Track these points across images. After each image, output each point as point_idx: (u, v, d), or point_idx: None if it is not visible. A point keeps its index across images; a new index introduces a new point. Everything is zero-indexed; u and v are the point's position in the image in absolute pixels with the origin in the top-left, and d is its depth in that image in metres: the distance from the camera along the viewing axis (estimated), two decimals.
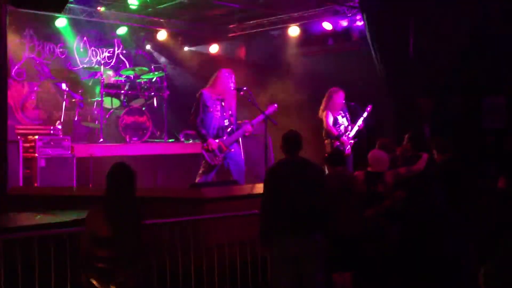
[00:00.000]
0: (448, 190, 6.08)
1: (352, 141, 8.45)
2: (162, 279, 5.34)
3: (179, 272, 5.42)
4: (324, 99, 8.58)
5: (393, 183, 5.97)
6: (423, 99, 8.77)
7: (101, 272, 4.17)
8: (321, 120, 8.57)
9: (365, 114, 8.48)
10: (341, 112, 8.56)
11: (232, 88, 7.65)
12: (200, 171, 7.65)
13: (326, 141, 8.53)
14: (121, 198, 4.31)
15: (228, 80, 7.58)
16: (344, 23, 11.04)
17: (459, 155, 6.66)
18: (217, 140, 7.44)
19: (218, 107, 7.55)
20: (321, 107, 8.58)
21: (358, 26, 10.79)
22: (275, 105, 7.73)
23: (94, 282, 4.19)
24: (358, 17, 10.46)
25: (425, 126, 8.78)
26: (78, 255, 4.51)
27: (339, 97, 8.50)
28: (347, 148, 8.33)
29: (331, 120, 8.45)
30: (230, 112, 7.66)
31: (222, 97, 7.57)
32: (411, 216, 5.92)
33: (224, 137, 7.54)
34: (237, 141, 7.99)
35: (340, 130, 8.44)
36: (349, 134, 8.45)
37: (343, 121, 8.54)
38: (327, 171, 5.97)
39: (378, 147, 6.54)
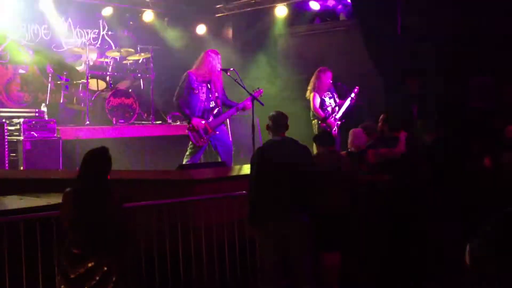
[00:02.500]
0: (434, 171, 6.11)
1: (339, 122, 8.43)
2: (150, 261, 5.32)
3: (167, 254, 5.40)
4: (312, 80, 8.55)
5: (375, 163, 5.96)
6: (411, 79, 8.77)
7: (72, 255, 4.13)
8: (308, 101, 8.54)
9: (352, 95, 8.46)
10: (329, 92, 8.53)
11: (219, 69, 7.59)
12: (187, 153, 7.62)
13: (313, 122, 8.52)
14: (88, 183, 4.26)
15: (214, 62, 7.50)
16: (332, 2, 10.97)
17: (446, 135, 6.67)
18: (203, 121, 7.40)
19: (204, 89, 7.50)
20: (309, 88, 8.55)
21: (345, 5, 10.74)
22: (261, 90, 7.67)
23: (65, 263, 4.15)
24: None
25: (413, 106, 8.79)
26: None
27: (327, 77, 8.47)
28: (334, 129, 8.31)
29: (317, 101, 8.43)
30: (216, 94, 7.60)
31: (208, 78, 7.51)
32: (396, 198, 5.93)
33: (210, 119, 7.50)
34: (224, 123, 7.94)
35: (328, 112, 8.42)
36: (336, 115, 8.44)
37: (330, 102, 8.51)
38: (315, 151, 5.97)
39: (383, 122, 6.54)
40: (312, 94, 8.45)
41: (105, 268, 4.11)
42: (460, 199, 6.15)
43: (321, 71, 8.51)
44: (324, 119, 8.31)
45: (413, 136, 6.33)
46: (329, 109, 8.46)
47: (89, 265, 4.09)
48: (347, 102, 8.46)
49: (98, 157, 4.34)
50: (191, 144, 7.54)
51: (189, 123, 7.46)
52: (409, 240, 5.84)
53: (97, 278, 4.09)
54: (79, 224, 4.16)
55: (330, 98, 8.51)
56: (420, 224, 5.88)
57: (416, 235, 5.86)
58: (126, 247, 4.30)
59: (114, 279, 4.13)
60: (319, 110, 8.40)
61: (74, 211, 4.17)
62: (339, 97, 8.66)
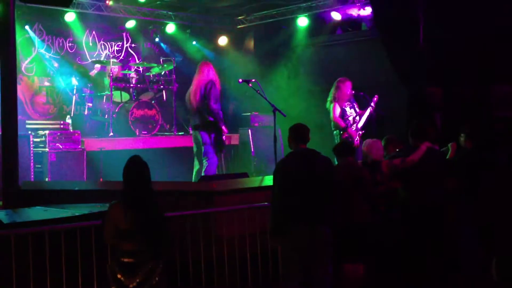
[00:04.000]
0: (465, 179, 6.02)
1: (360, 132, 8.40)
2: (172, 271, 5.35)
3: (190, 264, 5.43)
4: (332, 90, 8.53)
5: (389, 173, 5.91)
6: (433, 89, 8.71)
7: (125, 265, 4.20)
8: (329, 111, 8.53)
9: (372, 104, 8.43)
10: (349, 102, 8.50)
11: (241, 81, 7.76)
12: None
13: (334, 132, 8.50)
14: (138, 191, 4.32)
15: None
16: (353, 12, 10.96)
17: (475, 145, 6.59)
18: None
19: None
20: (329, 99, 8.53)
21: (367, 15, 10.71)
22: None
23: (119, 275, 4.20)
24: (367, 6, 10.38)
25: (436, 116, 8.72)
26: (102, 248, 4.59)
27: (347, 87, 8.44)
28: (356, 139, 8.28)
29: (338, 111, 8.40)
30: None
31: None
32: (413, 210, 5.85)
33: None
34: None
35: (349, 122, 8.39)
36: (357, 125, 8.41)
37: (351, 112, 8.48)
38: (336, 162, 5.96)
39: (385, 143, 6.51)
40: (332, 105, 8.44)
41: (160, 271, 4.23)
42: (487, 210, 6.06)
43: (340, 81, 8.49)
44: (345, 129, 8.29)
45: (434, 145, 6.27)
46: (350, 118, 8.43)
47: (146, 271, 4.18)
48: (367, 112, 8.43)
49: (139, 164, 4.40)
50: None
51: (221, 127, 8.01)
52: (431, 252, 5.79)
53: (157, 278, 4.21)
54: (131, 233, 4.21)
55: (350, 108, 8.48)
56: (442, 235, 5.82)
57: (438, 247, 5.80)
58: (166, 256, 4.38)
59: (165, 278, 4.30)
60: (340, 120, 8.37)
61: (125, 221, 4.21)
62: (361, 108, 8.64)
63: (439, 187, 5.79)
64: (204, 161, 7.99)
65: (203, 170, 7.94)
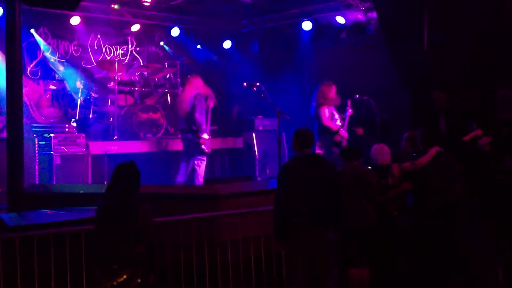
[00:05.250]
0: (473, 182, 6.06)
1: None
2: (176, 275, 5.36)
3: (194, 267, 5.43)
4: (317, 94, 8.45)
5: (400, 176, 5.95)
6: (438, 93, 8.70)
7: (104, 270, 4.19)
8: (316, 117, 8.43)
9: (347, 107, 8.42)
10: (333, 107, 8.41)
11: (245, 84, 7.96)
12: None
13: (321, 137, 8.38)
14: (120, 197, 4.30)
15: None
16: (358, 16, 10.96)
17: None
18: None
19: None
20: (315, 103, 8.44)
21: (371, 19, 10.71)
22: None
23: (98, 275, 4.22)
24: (371, 10, 10.38)
25: (441, 120, 8.71)
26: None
27: (332, 91, 8.42)
28: (346, 141, 8.28)
29: (327, 114, 8.36)
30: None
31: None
32: (422, 212, 5.89)
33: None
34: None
35: (338, 125, 8.31)
36: (345, 127, 8.41)
37: (337, 115, 8.43)
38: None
39: (406, 140, 6.55)
40: (320, 108, 8.36)
41: (139, 280, 4.18)
42: (490, 212, 6.08)
43: (325, 85, 8.44)
44: (337, 132, 8.21)
45: (442, 149, 6.29)
46: (338, 122, 8.37)
47: (123, 277, 4.16)
48: (347, 116, 8.43)
49: (125, 172, 4.39)
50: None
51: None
52: (438, 254, 5.79)
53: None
54: (108, 240, 4.22)
55: (335, 111, 8.41)
56: (445, 239, 5.82)
57: (445, 249, 5.80)
58: (156, 260, 4.35)
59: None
60: (330, 123, 8.32)
61: (102, 227, 4.23)
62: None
63: (448, 189, 5.84)
64: (189, 162, 8.86)
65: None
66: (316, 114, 8.43)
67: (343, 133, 8.29)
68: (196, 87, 8.91)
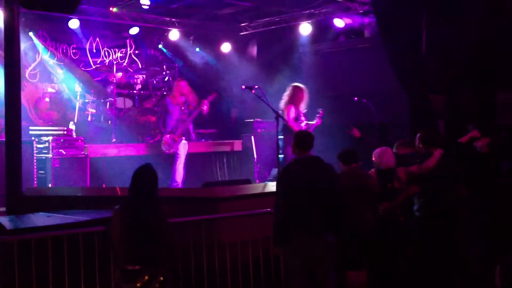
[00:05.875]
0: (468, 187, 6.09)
1: None
2: (175, 278, 5.35)
3: (192, 270, 5.43)
4: (287, 93, 8.46)
5: (406, 180, 5.97)
6: (435, 96, 8.71)
7: (127, 273, 4.21)
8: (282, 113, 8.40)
9: (318, 115, 8.43)
10: (301, 110, 8.36)
11: (244, 87, 7.95)
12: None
13: (280, 136, 8.27)
14: (142, 199, 4.36)
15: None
16: (356, 19, 10.98)
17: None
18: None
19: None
20: (284, 101, 8.44)
21: (370, 22, 10.73)
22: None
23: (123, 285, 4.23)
24: (369, 13, 10.40)
25: (439, 123, 8.73)
26: (105, 254, 4.65)
27: (302, 93, 8.42)
28: None
29: (293, 114, 8.34)
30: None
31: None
32: (427, 214, 5.91)
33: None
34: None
35: (301, 127, 8.24)
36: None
37: (304, 119, 8.41)
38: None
39: (397, 146, 6.55)
40: (288, 106, 8.36)
41: (161, 278, 4.22)
42: (490, 216, 6.09)
43: (296, 87, 8.44)
44: None
45: (445, 152, 6.32)
46: (303, 124, 8.35)
47: (146, 278, 4.18)
48: (313, 123, 8.44)
49: (147, 174, 4.44)
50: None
51: None
52: (437, 258, 5.79)
53: (157, 285, 4.21)
54: (130, 241, 4.23)
55: (303, 115, 8.35)
56: (448, 241, 5.83)
57: (443, 253, 5.81)
58: (175, 259, 4.39)
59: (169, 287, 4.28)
60: (294, 123, 8.30)
61: (124, 228, 4.23)
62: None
63: (452, 191, 5.87)
64: None
65: None
66: (282, 111, 8.42)
67: None
68: (178, 92, 9.32)
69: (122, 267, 4.25)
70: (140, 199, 4.37)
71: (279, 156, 8.27)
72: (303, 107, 8.53)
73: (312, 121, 8.54)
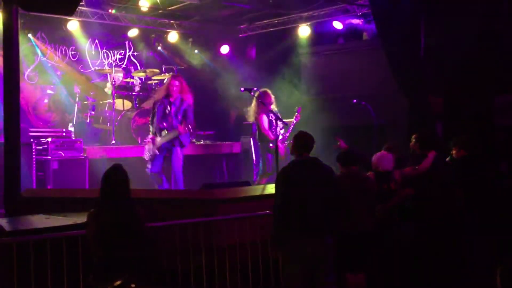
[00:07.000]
0: (464, 189, 6.10)
1: (286, 143, 8.40)
2: (174, 280, 5.35)
3: (191, 273, 5.43)
4: (254, 102, 8.41)
5: (402, 181, 6.00)
6: (434, 98, 8.73)
7: (99, 271, 4.18)
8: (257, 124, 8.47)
9: (296, 114, 8.48)
10: (271, 114, 8.27)
11: (243, 89, 7.79)
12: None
13: (259, 144, 8.45)
14: (114, 199, 4.31)
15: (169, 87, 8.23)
16: (355, 22, 11.00)
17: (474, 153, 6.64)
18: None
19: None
20: (253, 110, 8.43)
21: (368, 25, 10.75)
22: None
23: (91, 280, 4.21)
24: (368, 16, 10.42)
25: (438, 125, 8.74)
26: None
27: (268, 97, 8.40)
28: (283, 150, 8.26)
29: (266, 123, 8.34)
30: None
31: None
32: (423, 216, 5.93)
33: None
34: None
35: (277, 133, 8.12)
36: (284, 136, 8.44)
37: (277, 123, 8.38)
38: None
39: (384, 150, 6.56)
40: (259, 116, 8.35)
41: (133, 286, 4.15)
42: (488, 218, 6.10)
43: (262, 93, 8.36)
44: (275, 141, 7.83)
45: (440, 154, 6.34)
46: (279, 128, 8.31)
47: (117, 283, 4.13)
48: (292, 120, 8.46)
49: (116, 174, 4.40)
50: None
51: None
52: (437, 260, 5.80)
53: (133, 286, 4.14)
54: (104, 244, 4.21)
55: (274, 119, 8.25)
56: (444, 243, 5.83)
57: (440, 255, 5.81)
58: (152, 265, 4.33)
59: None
60: (269, 132, 8.29)
61: (97, 231, 4.22)
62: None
63: (449, 193, 5.89)
64: None
65: None
66: (255, 121, 8.52)
67: (280, 147, 8.16)
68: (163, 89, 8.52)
69: (96, 268, 4.21)
70: (111, 201, 4.30)
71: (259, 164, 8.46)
72: (274, 109, 8.49)
73: (289, 119, 8.54)
